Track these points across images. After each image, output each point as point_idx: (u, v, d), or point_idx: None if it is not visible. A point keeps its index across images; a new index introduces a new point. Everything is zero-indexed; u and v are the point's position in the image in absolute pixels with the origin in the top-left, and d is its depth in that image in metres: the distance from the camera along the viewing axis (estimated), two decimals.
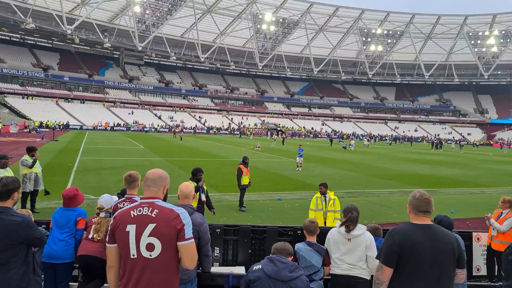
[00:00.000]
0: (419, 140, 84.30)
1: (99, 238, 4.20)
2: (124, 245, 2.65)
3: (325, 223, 7.35)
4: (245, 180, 11.50)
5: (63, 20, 62.55)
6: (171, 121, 78.67)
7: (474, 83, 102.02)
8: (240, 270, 4.86)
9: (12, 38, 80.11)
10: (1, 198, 3.12)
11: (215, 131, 75.95)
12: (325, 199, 7.52)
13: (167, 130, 72.61)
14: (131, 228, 2.62)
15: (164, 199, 2.87)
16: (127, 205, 4.02)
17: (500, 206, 6.37)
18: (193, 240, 2.72)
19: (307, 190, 14.84)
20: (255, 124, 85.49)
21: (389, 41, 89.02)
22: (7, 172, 8.07)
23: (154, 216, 2.63)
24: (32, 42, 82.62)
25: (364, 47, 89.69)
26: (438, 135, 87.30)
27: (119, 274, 2.75)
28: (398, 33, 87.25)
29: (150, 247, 2.60)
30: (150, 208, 2.66)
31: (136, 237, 2.60)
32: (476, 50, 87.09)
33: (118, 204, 4.23)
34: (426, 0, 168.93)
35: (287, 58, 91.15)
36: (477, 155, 43.26)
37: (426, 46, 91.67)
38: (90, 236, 4.28)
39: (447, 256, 2.85)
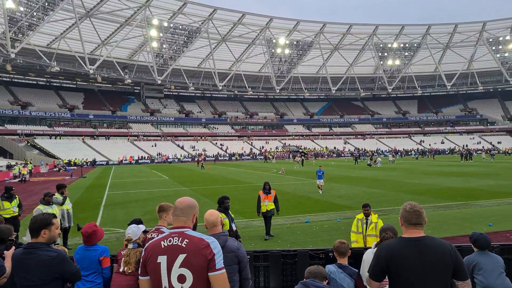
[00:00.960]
0: (446, 152, 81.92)
1: (129, 270, 4.15)
2: (156, 277, 2.61)
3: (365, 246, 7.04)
4: (264, 207, 10.81)
5: (85, 61, 65.28)
6: (193, 150, 79.60)
7: (499, 89, 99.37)
8: None
9: (39, 82, 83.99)
10: (33, 235, 3.19)
11: (237, 157, 76.21)
12: (366, 222, 7.11)
13: (190, 159, 73.39)
14: (162, 259, 2.58)
15: (194, 228, 2.83)
16: (155, 236, 3.99)
17: None
18: (224, 270, 2.64)
19: (334, 211, 14.52)
20: (276, 148, 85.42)
21: (406, 54, 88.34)
22: (51, 209, 8.27)
23: (184, 246, 2.58)
24: (58, 84, 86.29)
25: (381, 62, 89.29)
26: (467, 145, 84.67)
27: None
28: (415, 45, 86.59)
29: (181, 278, 2.55)
30: (180, 238, 2.62)
31: (167, 268, 2.56)
32: (498, 56, 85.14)
33: (147, 235, 4.21)
34: (442, 11, 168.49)
35: (304, 79, 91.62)
36: (510, 164, 41.58)
37: (446, 56, 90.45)
38: (121, 270, 4.23)
39: (439, 268, 2.76)
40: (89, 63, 66.00)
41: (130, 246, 4.31)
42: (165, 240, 2.64)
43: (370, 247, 4.32)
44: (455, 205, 15.21)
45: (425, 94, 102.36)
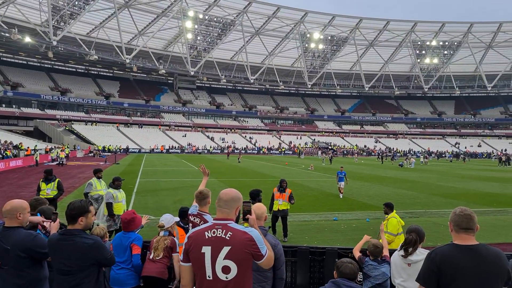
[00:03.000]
0: (483, 156, 78.67)
1: (158, 257, 4.28)
2: (199, 266, 2.68)
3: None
4: (276, 206, 10.14)
5: (122, 51, 66.96)
6: (223, 142, 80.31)
7: None
8: None
9: (78, 69, 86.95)
10: (70, 222, 3.26)
11: (265, 151, 76.28)
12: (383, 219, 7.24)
13: (219, 151, 74.13)
14: (207, 250, 2.65)
15: (237, 220, 2.88)
16: (197, 220, 4.10)
17: None
18: (268, 251, 2.75)
19: (363, 210, 14.31)
20: (306, 143, 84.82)
21: (445, 52, 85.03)
22: (120, 194, 8.67)
23: (228, 238, 2.64)
24: (95, 72, 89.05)
25: (418, 60, 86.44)
26: (506, 150, 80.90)
27: None
28: (455, 43, 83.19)
29: (226, 269, 2.62)
30: (224, 230, 2.67)
31: (211, 259, 2.63)
32: None
33: (190, 217, 4.32)
34: (485, 9, 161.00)
35: (336, 76, 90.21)
36: None
37: (488, 56, 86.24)
38: (151, 256, 4.36)
39: (493, 278, 2.65)
40: (125, 52, 67.64)
41: (162, 233, 4.45)
42: (209, 231, 2.70)
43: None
44: (492, 211, 14.64)
45: (463, 94, 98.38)
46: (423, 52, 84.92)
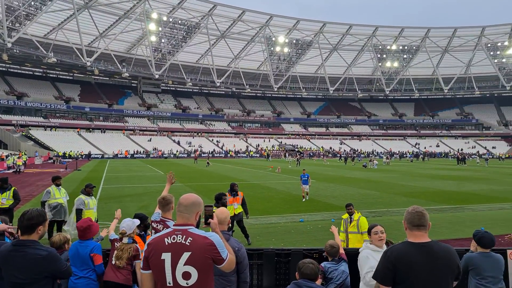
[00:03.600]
0: (441, 156, 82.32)
1: (120, 265, 4.17)
2: (159, 272, 2.64)
3: (347, 244, 7.11)
4: (232, 211, 9.54)
5: (83, 53, 64.90)
6: (189, 146, 79.47)
7: (496, 95, 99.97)
8: None
9: (35, 73, 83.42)
10: (25, 232, 3.11)
11: (232, 155, 76.18)
12: (350, 220, 7.25)
13: (185, 155, 73.28)
14: (167, 257, 2.61)
15: (197, 225, 2.85)
16: (160, 227, 4.02)
17: None
18: (229, 254, 2.75)
19: (329, 211, 14.57)
20: (273, 146, 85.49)
21: (405, 56, 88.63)
22: (92, 201, 8.52)
23: (188, 244, 2.62)
24: (54, 75, 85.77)
25: (380, 64, 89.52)
26: (462, 149, 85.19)
27: None
28: (414, 48, 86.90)
29: (186, 275, 2.59)
30: (184, 236, 2.65)
31: (172, 265, 2.60)
32: (496, 61, 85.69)
33: (153, 224, 4.26)
34: (441, 15, 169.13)
35: (302, 79, 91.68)
36: (504, 169, 41.90)
37: (444, 60, 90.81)
38: (113, 262, 4.26)
39: (445, 273, 2.82)
40: (86, 55, 65.63)
41: (125, 240, 4.34)
42: (169, 237, 2.66)
43: (355, 248, 4.39)
44: (449, 208, 15.32)
45: (422, 97, 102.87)
46: (384, 56, 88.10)
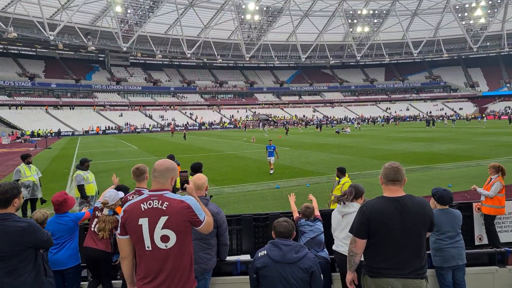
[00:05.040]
0: (408, 119, 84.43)
1: (103, 237, 4.21)
2: (137, 237, 2.70)
3: (329, 205, 7.40)
4: None
5: (44, 27, 61.61)
6: (162, 120, 78.28)
7: (463, 57, 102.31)
8: (245, 258, 4.89)
9: None
10: (1, 206, 3.09)
11: (207, 127, 75.70)
12: (337, 183, 7.52)
13: (159, 129, 72.27)
14: (144, 222, 2.66)
15: (173, 191, 2.88)
16: (136, 197, 4.04)
17: (489, 172, 6.67)
18: (206, 216, 2.81)
19: (304, 177, 14.91)
20: (246, 116, 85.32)
21: (375, 21, 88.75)
22: (89, 174, 8.65)
23: (164, 208, 2.67)
24: (16, 51, 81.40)
25: (351, 30, 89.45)
26: (430, 112, 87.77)
27: (133, 265, 2.82)
28: (384, 12, 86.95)
29: (164, 238, 2.66)
30: (160, 201, 2.69)
31: (149, 230, 2.66)
32: (463, 23, 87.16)
33: (128, 197, 4.26)
34: None
35: (274, 47, 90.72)
36: (470, 129, 43.61)
37: (413, 23, 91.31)
38: (93, 229, 4.29)
39: (418, 225, 2.96)
40: (49, 28, 62.36)
41: (106, 212, 4.34)
42: (145, 203, 2.70)
43: (330, 209, 4.62)
44: (418, 168, 15.96)
45: (392, 61, 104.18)
46: (355, 21, 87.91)
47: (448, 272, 4.19)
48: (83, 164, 8.69)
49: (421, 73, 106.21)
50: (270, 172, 15.95)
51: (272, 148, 16.30)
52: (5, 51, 79.83)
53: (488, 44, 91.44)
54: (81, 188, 8.34)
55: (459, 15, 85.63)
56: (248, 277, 4.02)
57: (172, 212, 2.66)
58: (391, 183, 3.05)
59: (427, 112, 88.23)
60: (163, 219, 2.65)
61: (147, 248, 2.67)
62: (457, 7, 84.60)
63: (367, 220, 2.98)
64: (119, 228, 2.81)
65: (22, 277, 3.05)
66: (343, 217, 4.05)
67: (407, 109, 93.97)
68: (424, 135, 36.28)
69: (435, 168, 15.89)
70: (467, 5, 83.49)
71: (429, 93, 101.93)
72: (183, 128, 61.40)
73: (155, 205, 2.68)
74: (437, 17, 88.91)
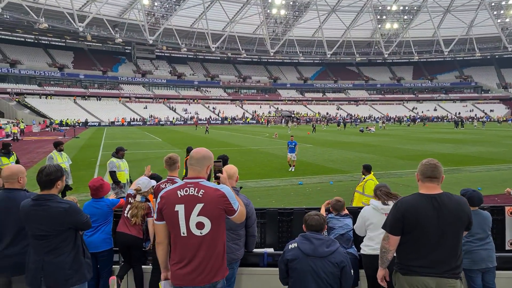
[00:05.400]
0: (436, 120, 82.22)
1: (133, 222, 4.32)
2: (173, 223, 2.76)
3: (351, 202, 7.31)
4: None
5: (74, 18, 63.11)
6: (186, 113, 79.11)
7: (496, 56, 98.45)
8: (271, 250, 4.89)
9: (27, 39, 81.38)
10: (45, 187, 3.22)
11: (229, 121, 76.00)
12: (360, 180, 7.47)
13: (182, 122, 73.10)
14: (180, 208, 2.72)
15: (208, 178, 2.93)
16: (169, 186, 4.11)
17: None
18: (240, 206, 2.84)
19: (327, 174, 14.76)
20: (269, 112, 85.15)
21: (405, 17, 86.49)
22: (123, 163, 8.93)
23: (200, 196, 2.72)
24: (46, 42, 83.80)
25: (379, 26, 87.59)
26: (459, 113, 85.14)
27: (168, 250, 2.89)
28: (415, 8, 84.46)
29: (200, 225, 2.72)
30: (196, 188, 2.75)
31: (185, 216, 2.71)
32: (499, 21, 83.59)
33: (160, 185, 4.38)
34: None
35: (299, 43, 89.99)
36: (501, 132, 42.17)
37: (445, 20, 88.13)
38: (126, 215, 4.40)
39: (455, 224, 2.88)
40: (78, 20, 63.85)
41: (138, 198, 4.46)
42: (181, 190, 2.77)
43: (356, 206, 4.51)
44: (446, 170, 15.52)
45: (421, 60, 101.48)
46: (384, 17, 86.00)
47: (477, 274, 4.09)
48: (118, 153, 9.02)
49: (451, 73, 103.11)
50: (290, 170, 15.53)
51: (294, 144, 15.80)
52: (36, 41, 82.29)
53: None
54: (112, 174, 8.65)
55: (495, 12, 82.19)
56: (274, 269, 4.05)
57: (208, 199, 2.71)
58: (428, 180, 2.97)
59: (455, 113, 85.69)
60: (198, 206, 2.70)
61: (182, 234, 2.73)
62: (492, 4, 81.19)
63: (402, 216, 2.92)
64: (155, 214, 2.87)
65: (62, 256, 3.17)
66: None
67: (435, 109, 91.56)
68: (453, 136, 35.32)
69: (463, 170, 15.44)
70: (503, 3, 79.96)
71: (459, 94, 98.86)
72: (206, 122, 61.93)
73: (191, 192, 2.74)
74: (471, 14, 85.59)
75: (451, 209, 2.87)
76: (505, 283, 4.24)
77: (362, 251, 4.08)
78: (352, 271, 3.10)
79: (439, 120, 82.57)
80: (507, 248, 6.24)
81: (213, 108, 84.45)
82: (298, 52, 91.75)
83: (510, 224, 6.31)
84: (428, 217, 2.86)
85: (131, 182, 9.20)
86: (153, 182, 4.62)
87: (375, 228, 4.00)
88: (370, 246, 3.99)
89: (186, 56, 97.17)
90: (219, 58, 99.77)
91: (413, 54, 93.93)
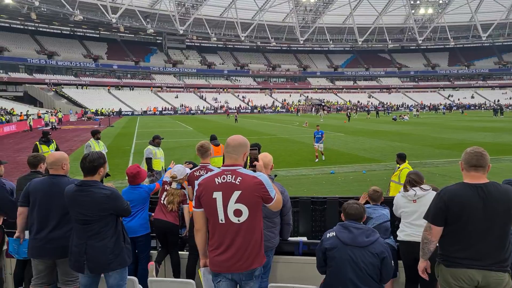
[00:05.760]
0: (474, 108, 78.84)
1: (169, 208, 4.40)
2: (211, 210, 2.77)
3: (388, 192, 7.19)
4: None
5: (107, 10, 64.53)
6: (216, 102, 79.72)
7: None
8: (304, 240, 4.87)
9: (63, 31, 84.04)
10: (88, 173, 3.34)
11: (259, 110, 75.94)
12: (395, 170, 7.38)
13: (212, 111, 73.74)
14: (218, 195, 2.73)
15: (244, 166, 2.93)
16: (203, 173, 4.17)
17: None
18: (277, 194, 2.84)
19: (359, 163, 14.55)
20: (299, 101, 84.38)
21: (440, 2, 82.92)
22: (159, 151, 9.15)
23: (238, 183, 2.72)
24: (81, 33, 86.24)
25: (413, 11, 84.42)
26: (498, 100, 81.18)
27: (206, 237, 2.91)
28: None
29: (237, 213, 2.72)
30: (234, 176, 2.75)
31: (223, 203, 2.72)
32: None
33: (194, 173, 4.42)
34: None
35: (329, 30, 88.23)
36: None
37: (483, 4, 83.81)
38: (162, 202, 4.49)
39: (502, 215, 2.74)
40: (111, 11, 65.25)
41: (174, 185, 4.53)
42: (219, 177, 2.77)
43: (392, 196, 4.41)
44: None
45: (458, 45, 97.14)
46: (418, 2, 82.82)
47: None
48: (154, 140, 9.17)
49: (490, 59, 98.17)
50: (316, 160, 15.06)
51: (320, 133, 15.28)
52: (71, 33, 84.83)
53: None
54: (148, 161, 8.85)
55: None
56: (309, 258, 4.04)
57: (245, 187, 2.71)
58: (473, 169, 2.86)
59: (494, 101, 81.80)
60: (236, 194, 2.70)
61: (220, 221, 2.75)
62: None
63: (445, 206, 2.81)
64: (194, 201, 2.90)
65: (104, 240, 3.28)
66: (416, 202, 3.85)
67: (472, 97, 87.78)
68: (492, 124, 33.83)
69: (504, 160, 14.82)
70: None
71: (498, 80, 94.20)
72: (235, 111, 62.14)
73: (229, 179, 2.74)
74: None
75: (498, 199, 2.75)
76: None
77: (398, 238, 4.02)
78: (392, 262, 3.05)
79: (477, 108, 79.13)
80: None
81: (243, 97, 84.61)
82: (328, 40, 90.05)
83: None
84: (473, 207, 2.75)
85: (165, 170, 9.39)
86: (188, 170, 4.68)
87: (406, 215, 3.93)
88: (405, 231, 3.93)
89: (215, 45, 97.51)
90: (248, 47, 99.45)
91: (449, 40, 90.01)
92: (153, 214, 4.65)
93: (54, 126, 36.07)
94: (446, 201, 2.82)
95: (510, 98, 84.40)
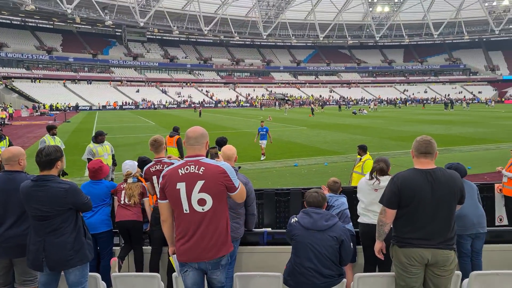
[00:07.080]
0: (426, 102, 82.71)
1: (132, 202, 4.37)
2: (175, 201, 2.81)
3: (350, 182, 7.45)
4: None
5: None
6: (179, 96, 78.50)
7: (484, 39, 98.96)
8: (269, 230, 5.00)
9: (13, 22, 79.37)
10: (45, 168, 3.21)
11: (224, 105, 75.62)
12: (358, 161, 7.63)
13: (175, 106, 72.61)
14: (181, 186, 2.77)
15: (206, 155, 2.98)
16: (159, 167, 4.14)
17: (511, 155, 6.76)
18: (241, 185, 2.91)
19: (322, 156, 14.93)
20: (262, 95, 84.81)
21: (396, 0, 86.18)
22: (101, 148, 8.52)
23: (201, 173, 2.77)
24: (34, 24, 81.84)
25: (371, 9, 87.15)
26: (449, 95, 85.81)
27: (173, 227, 2.94)
28: None
29: (201, 202, 2.77)
30: (197, 166, 2.79)
31: (187, 193, 2.77)
32: (486, 4, 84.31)
33: (150, 168, 4.30)
34: None
35: (291, 26, 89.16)
36: (489, 113, 42.68)
37: (435, 4, 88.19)
38: (122, 202, 4.43)
39: (448, 198, 2.99)
40: (66, 1, 62.43)
41: (130, 180, 4.50)
42: (182, 168, 2.81)
43: (352, 186, 4.62)
44: (437, 150, 15.78)
45: (412, 43, 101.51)
46: (375, 0, 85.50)
47: (467, 240, 4.28)
48: (97, 138, 8.60)
49: (441, 55, 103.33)
50: (261, 158, 14.29)
51: (265, 130, 14.42)
52: (22, 23, 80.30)
53: (510, 27, 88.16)
54: (89, 161, 8.47)
55: None
56: (274, 247, 4.20)
57: (209, 176, 2.76)
58: (423, 156, 3.09)
59: (445, 95, 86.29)
60: (200, 183, 2.75)
61: (185, 211, 2.79)
62: None
63: (398, 190, 3.02)
64: (158, 193, 2.94)
65: (63, 236, 3.18)
66: (377, 191, 4.07)
67: (425, 92, 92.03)
68: (443, 117, 35.69)
69: (454, 150, 15.72)
70: None
71: (448, 76, 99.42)
72: (199, 105, 61.62)
73: (192, 170, 2.78)
74: None
75: (444, 182, 2.99)
76: (496, 256, 4.42)
77: (359, 220, 4.24)
78: (351, 244, 3.23)
79: (429, 102, 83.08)
80: (496, 223, 6.47)
81: (206, 91, 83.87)
82: (291, 35, 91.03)
83: (499, 200, 6.54)
84: (423, 190, 2.97)
85: (115, 165, 9.07)
86: (136, 163, 4.65)
87: (367, 201, 4.15)
88: (366, 215, 4.15)
89: (178, 39, 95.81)
90: (211, 41, 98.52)
91: (404, 37, 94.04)
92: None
93: (4, 122, 34.16)
94: (399, 185, 3.03)
95: (460, 93, 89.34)
